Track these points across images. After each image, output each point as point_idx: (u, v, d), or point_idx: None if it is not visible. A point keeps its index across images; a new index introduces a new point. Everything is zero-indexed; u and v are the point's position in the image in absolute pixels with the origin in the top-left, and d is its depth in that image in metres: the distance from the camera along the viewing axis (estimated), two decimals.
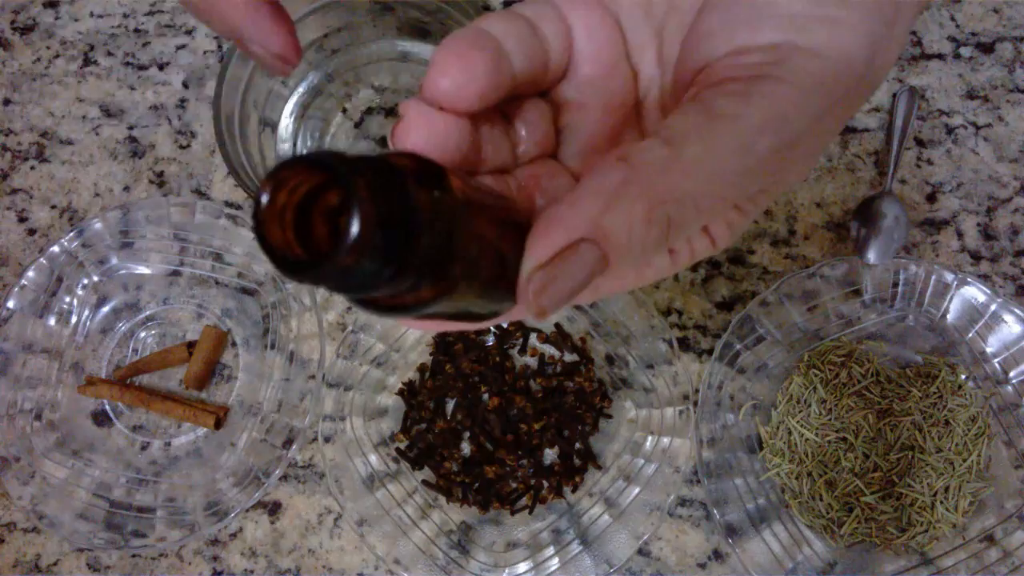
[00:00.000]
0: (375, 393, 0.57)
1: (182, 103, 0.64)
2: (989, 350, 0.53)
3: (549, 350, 0.58)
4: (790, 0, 0.21)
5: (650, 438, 0.54)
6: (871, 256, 0.55)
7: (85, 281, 0.59)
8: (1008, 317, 0.52)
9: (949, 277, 0.53)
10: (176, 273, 0.60)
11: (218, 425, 0.57)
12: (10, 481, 0.54)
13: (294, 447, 0.53)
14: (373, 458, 0.54)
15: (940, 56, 0.62)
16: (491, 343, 0.58)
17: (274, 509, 0.56)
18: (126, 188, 0.63)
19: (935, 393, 0.53)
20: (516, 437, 0.55)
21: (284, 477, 0.57)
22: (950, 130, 0.60)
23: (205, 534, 0.53)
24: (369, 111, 0.61)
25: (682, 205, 0.20)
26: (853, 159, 0.60)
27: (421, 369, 0.58)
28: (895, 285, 0.54)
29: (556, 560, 0.52)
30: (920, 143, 0.60)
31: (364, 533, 0.51)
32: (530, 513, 0.55)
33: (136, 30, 0.66)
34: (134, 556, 0.56)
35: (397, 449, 0.56)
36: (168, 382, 0.59)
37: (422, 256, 0.18)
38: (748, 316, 0.53)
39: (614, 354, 0.57)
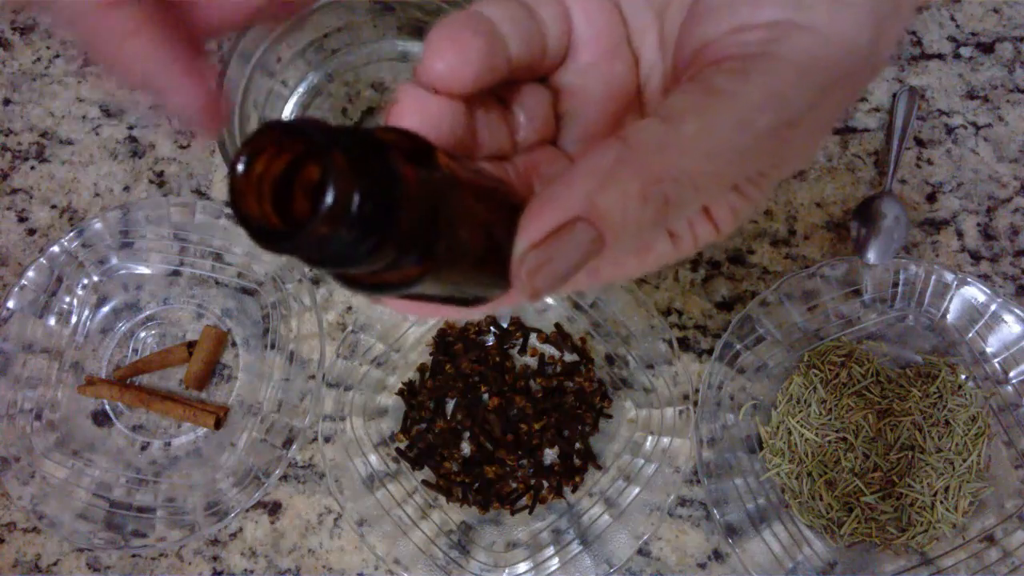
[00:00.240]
0: (375, 393, 0.57)
1: None
2: (989, 350, 0.53)
3: (549, 350, 0.58)
4: None
5: (650, 438, 0.54)
6: (871, 256, 0.55)
7: (85, 281, 0.59)
8: (1008, 317, 0.52)
9: (949, 277, 0.53)
10: (176, 273, 0.60)
11: (218, 425, 0.57)
12: (10, 481, 0.54)
13: (294, 447, 0.53)
14: (373, 458, 0.54)
15: (940, 56, 0.62)
16: (491, 343, 0.58)
17: (274, 509, 0.56)
18: (126, 188, 0.63)
19: (935, 393, 0.53)
20: (516, 437, 0.55)
21: (284, 477, 0.57)
22: (950, 130, 0.60)
23: (205, 534, 0.53)
24: (369, 111, 0.61)
25: (679, 184, 0.20)
26: (853, 159, 0.60)
27: (421, 369, 0.58)
28: (895, 285, 0.54)
29: (556, 560, 0.52)
30: (920, 143, 0.60)
31: (364, 533, 0.51)
32: (530, 513, 0.55)
33: None
34: (134, 556, 0.56)
35: (397, 449, 0.56)
36: (168, 382, 0.59)
37: (403, 231, 0.17)
38: (748, 316, 0.53)
39: (614, 354, 0.57)
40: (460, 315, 0.24)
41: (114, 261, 0.59)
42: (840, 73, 0.21)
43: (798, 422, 0.54)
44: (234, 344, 0.59)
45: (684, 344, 0.58)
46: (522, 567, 0.52)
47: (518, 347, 0.58)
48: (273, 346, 0.57)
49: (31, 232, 0.63)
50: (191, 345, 0.59)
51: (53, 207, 0.63)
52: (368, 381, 0.56)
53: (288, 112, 0.59)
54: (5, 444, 0.54)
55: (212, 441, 0.58)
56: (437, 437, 0.56)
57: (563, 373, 0.57)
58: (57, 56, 0.66)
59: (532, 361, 0.58)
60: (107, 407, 0.59)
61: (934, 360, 0.55)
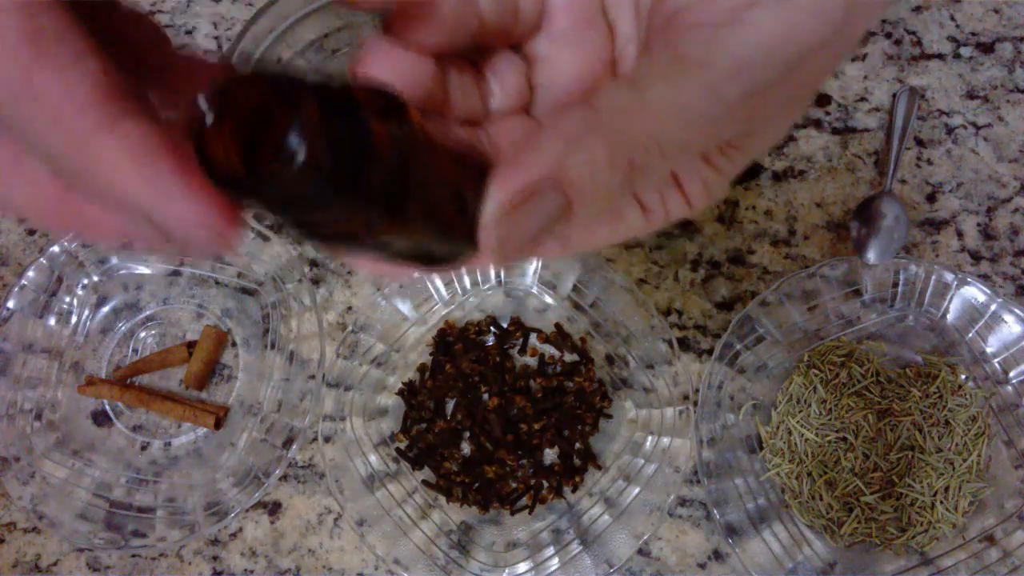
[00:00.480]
0: (375, 393, 0.57)
1: None
2: (989, 350, 0.53)
3: (549, 350, 0.58)
4: None
5: (650, 438, 0.54)
6: (871, 256, 0.55)
7: (85, 281, 0.59)
8: (1008, 317, 0.52)
9: (949, 277, 0.53)
10: (176, 273, 0.60)
11: (218, 425, 0.57)
12: (10, 481, 0.54)
13: (294, 447, 0.53)
14: (373, 458, 0.54)
15: (940, 56, 0.62)
16: (491, 343, 0.58)
17: (274, 509, 0.56)
18: None
19: (935, 393, 0.53)
20: (516, 437, 0.55)
21: (284, 477, 0.57)
22: (950, 130, 0.60)
23: (205, 534, 0.53)
24: None
25: (646, 149, 0.20)
26: (853, 159, 0.60)
27: (421, 369, 0.58)
28: (895, 285, 0.54)
29: (556, 560, 0.52)
30: (920, 143, 0.60)
31: (364, 533, 0.51)
32: (530, 513, 0.55)
33: None
34: (134, 556, 0.56)
35: (397, 449, 0.56)
36: (168, 382, 0.59)
37: (370, 185, 0.17)
38: (748, 316, 0.53)
39: (614, 354, 0.57)
40: (426, 273, 0.24)
41: (114, 261, 0.59)
42: (812, 44, 0.20)
43: (798, 422, 0.54)
44: (234, 344, 0.59)
45: (684, 344, 0.58)
46: (522, 567, 0.52)
47: (518, 347, 0.58)
48: (273, 346, 0.57)
49: (31, 232, 0.63)
50: (191, 345, 0.59)
51: None
52: (368, 381, 0.56)
53: None
54: (5, 444, 0.54)
55: (212, 441, 0.58)
56: (437, 437, 0.56)
57: (563, 373, 0.57)
58: None
59: (532, 361, 0.58)
60: (107, 407, 0.59)
61: (934, 360, 0.55)
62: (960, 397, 0.53)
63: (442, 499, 0.55)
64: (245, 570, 0.55)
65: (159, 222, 0.18)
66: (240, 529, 0.56)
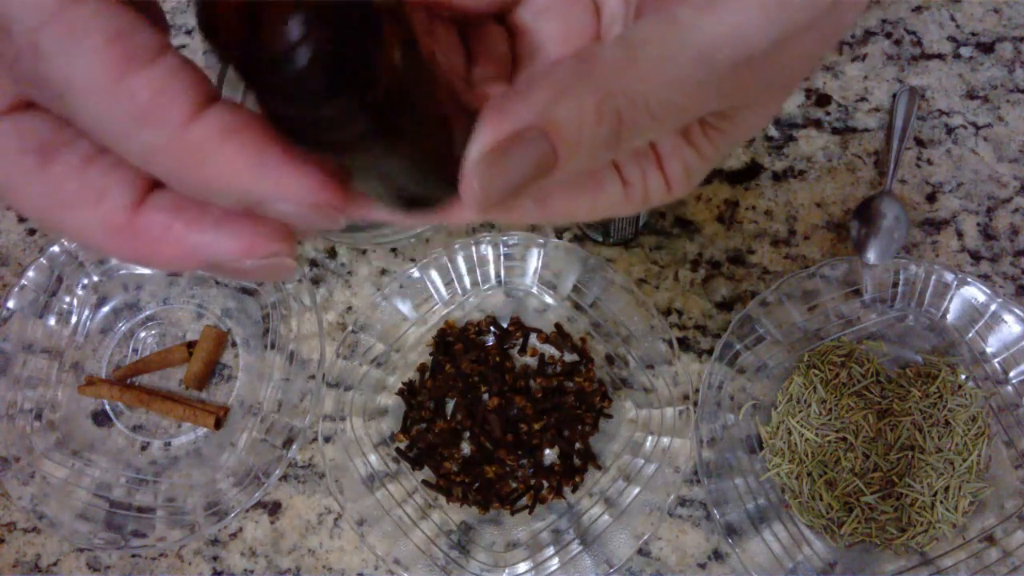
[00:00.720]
0: (375, 393, 0.57)
1: None
2: (989, 350, 0.53)
3: (549, 350, 0.58)
4: None
5: (650, 438, 0.54)
6: (871, 256, 0.55)
7: (85, 281, 0.59)
8: (1008, 317, 0.52)
9: (949, 277, 0.53)
10: (176, 273, 0.60)
11: (218, 425, 0.57)
12: (10, 481, 0.54)
13: (294, 447, 0.53)
14: (373, 458, 0.54)
15: (940, 56, 0.62)
16: (491, 343, 0.58)
17: (274, 509, 0.56)
18: None
19: (935, 393, 0.53)
20: (516, 437, 0.55)
21: (284, 477, 0.57)
22: (950, 130, 0.61)
23: (205, 534, 0.53)
24: None
25: (634, 105, 0.20)
26: (853, 159, 0.60)
27: (421, 369, 0.58)
28: (895, 285, 0.54)
29: (556, 560, 0.52)
30: (920, 143, 0.60)
31: (364, 533, 0.51)
32: (530, 513, 0.55)
33: None
34: (134, 556, 0.56)
35: (397, 449, 0.56)
36: (168, 382, 0.59)
37: (372, 82, 0.17)
38: (748, 316, 0.53)
39: (614, 354, 0.57)
40: (403, 222, 0.23)
41: (114, 261, 0.59)
42: (805, 20, 0.21)
43: (798, 422, 0.54)
44: (234, 344, 0.59)
45: (684, 344, 0.58)
46: (522, 567, 0.52)
47: (518, 347, 0.58)
48: (273, 346, 0.57)
49: (31, 232, 0.63)
50: (191, 345, 0.59)
51: None
52: (368, 381, 0.56)
53: None
54: (5, 444, 0.54)
55: (212, 441, 0.58)
56: (437, 437, 0.56)
57: (563, 373, 0.57)
58: None
59: (532, 361, 0.58)
60: (107, 407, 0.59)
61: (934, 360, 0.55)
62: (960, 397, 0.53)
63: (442, 499, 0.55)
64: (245, 570, 0.56)
65: (270, 205, 0.18)
66: (240, 529, 0.56)
